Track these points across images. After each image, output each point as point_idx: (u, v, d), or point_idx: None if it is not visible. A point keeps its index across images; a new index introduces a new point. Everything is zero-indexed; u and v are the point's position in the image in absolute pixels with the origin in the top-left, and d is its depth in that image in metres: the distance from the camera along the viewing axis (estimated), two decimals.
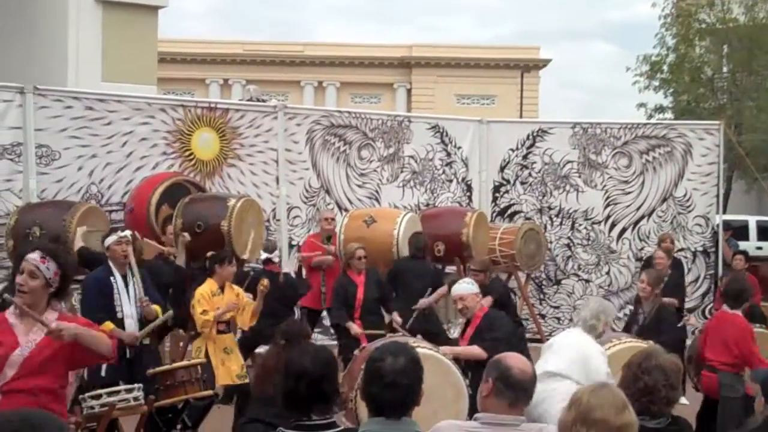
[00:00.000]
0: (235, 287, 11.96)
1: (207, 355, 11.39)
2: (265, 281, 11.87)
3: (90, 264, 11.54)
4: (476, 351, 10.17)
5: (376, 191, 18.21)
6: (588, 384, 8.53)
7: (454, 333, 11.68)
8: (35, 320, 6.06)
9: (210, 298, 11.53)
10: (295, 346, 7.99)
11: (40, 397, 6.05)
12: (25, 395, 5.99)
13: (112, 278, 10.46)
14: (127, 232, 11.01)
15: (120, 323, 10.30)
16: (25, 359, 6.05)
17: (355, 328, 13.15)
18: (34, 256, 6.18)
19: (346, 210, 17.23)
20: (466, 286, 10.75)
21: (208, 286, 11.69)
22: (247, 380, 11.38)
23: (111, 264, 10.57)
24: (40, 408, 5.94)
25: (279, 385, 5.47)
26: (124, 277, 10.53)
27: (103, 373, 9.92)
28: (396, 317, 13.49)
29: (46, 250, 6.26)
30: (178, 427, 10.49)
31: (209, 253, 12.58)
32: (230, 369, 11.49)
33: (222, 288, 11.74)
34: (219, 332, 11.60)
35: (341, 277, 13.88)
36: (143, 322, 10.62)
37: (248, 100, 21.34)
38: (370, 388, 4.55)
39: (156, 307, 10.76)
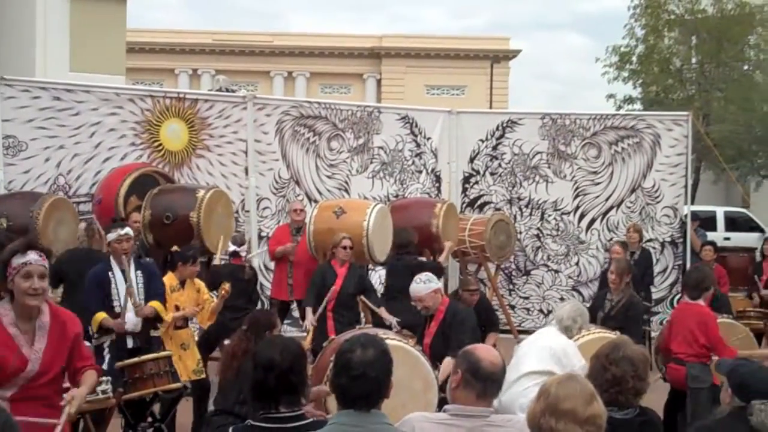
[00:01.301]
0: (198, 282, 11.86)
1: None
2: (227, 285, 11.83)
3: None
4: (449, 367, 10.12)
5: (346, 182, 18.19)
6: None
7: None
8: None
9: (169, 294, 11.45)
10: (261, 335, 7.99)
11: (51, 398, 6.08)
12: (38, 399, 6.01)
13: (110, 273, 10.47)
14: (128, 230, 10.97)
15: (118, 317, 10.35)
16: (37, 373, 6.00)
17: (309, 317, 12.96)
18: (36, 258, 6.08)
19: (316, 201, 17.17)
20: (422, 286, 10.58)
21: (168, 281, 11.60)
22: (203, 376, 11.45)
23: (112, 259, 10.58)
24: (50, 407, 6.06)
25: (246, 376, 5.47)
26: (124, 272, 10.51)
27: (105, 366, 9.92)
28: (384, 313, 13.26)
29: (37, 247, 6.20)
30: (148, 420, 10.44)
31: (174, 248, 12.55)
32: (186, 364, 11.42)
33: (183, 283, 11.68)
34: (176, 327, 11.53)
35: (323, 264, 13.74)
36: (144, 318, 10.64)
37: (217, 91, 21.28)
38: (339, 379, 4.55)
39: (154, 304, 10.73)
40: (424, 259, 15.37)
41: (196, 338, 12.33)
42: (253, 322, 8.51)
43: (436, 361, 10.04)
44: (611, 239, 18.67)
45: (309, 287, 13.50)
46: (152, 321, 10.78)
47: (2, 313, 6.07)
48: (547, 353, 9.03)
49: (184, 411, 11.31)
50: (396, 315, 12.74)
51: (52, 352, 6.04)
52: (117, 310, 10.40)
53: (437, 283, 10.72)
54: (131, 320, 10.47)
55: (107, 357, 10.19)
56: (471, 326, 10.62)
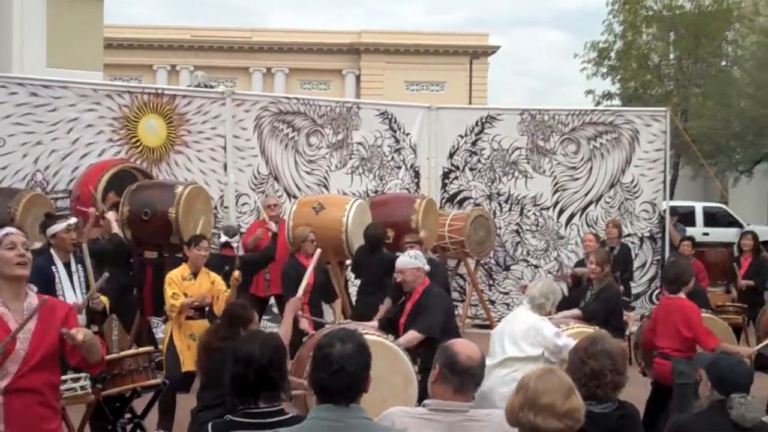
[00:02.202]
0: (212, 274, 11.83)
1: (172, 339, 11.36)
2: (236, 273, 11.81)
3: None
4: (412, 336, 10.18)
5: (325, 178, 18.19)
6: (546, 349, 8.70)
7: None
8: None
9: (180, 282, 11.46)
10: (234, 327, 7.96)
11: (46, 395, 5.84)
12: (33, 393, 5.75)
13: (53, 267, 10.33)
14: (74, 219, 10.92)
15: None
16: (27, 354, 5.74)
17: (304, 322, 13.06)
18: (14, 230, 6.05)
19: (295, 197, 17.17)
20: (407, 260, 10.73)
21: (180, 270, 11.64)
22: None
23: (53, 252, 10.44)
24: (46, 406, 5.84)
25: (220, 371, 5.45)
26: (67, 266, 10.40)
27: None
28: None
29: (13, 225, 6.10)
30: (126, 416, 10.41)
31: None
32: (195, 356, 11.41)
33: (195, 274, 11.66)
34: (188, 318, 11.51)
35: (291, 260, 13.78)
36: (90, 310, 10.53)
37: (196, 86, 21.23)
38: (317, 374, 4.53)
39: (102, 299, 10.67)
40: (399, 254, 15.38)
41: None
42: (229, 316, 8.48)
43: (417, 355, 10.07)
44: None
45: (287, 283, 13.53)
46: (95, 316, 10.69)
47: None
48: (521, 336, 9.10)
49: (182, 406, 11.28)
50: (372, 311, 12.74)
51: (41, 334, 5.79)
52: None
53: (423, 264, 10.77)
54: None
55: None
56: (443, 306, 10.67)
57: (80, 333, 5.64)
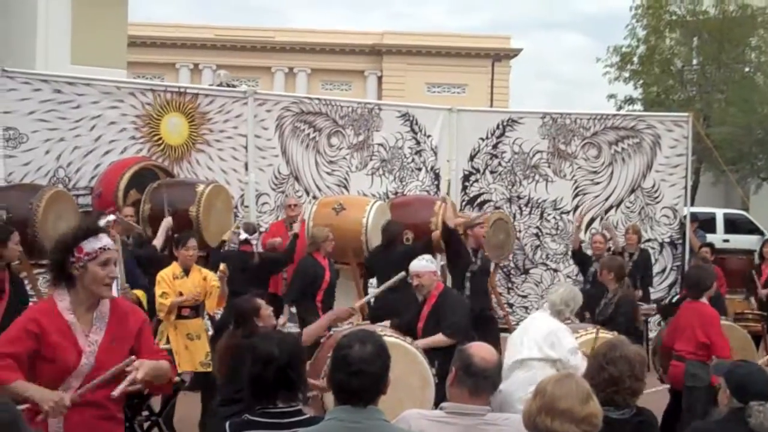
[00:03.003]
0: (204, 270, 11.88)
1: (168, 341, 11.38)
2: (222, 266, 11.84)
3: None
4: (439, 338, 10.22)
5: (345, 179, 18.18)
6: (560, 359, 8.69)
7: None
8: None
9: (171, 281, 11.48)
10: (247, 323, 7.97)
11: (109, 408, 5.65)
12: (94, 408, 5.54)
13: None
14: (112, 216, 10.98)
15: None
16: (93, 369, 5.50)
17: (282, 319, 13.12)
18: (111, 243, 5.77)
19: (315, 197, 17.18)
20: (423, 263, 10.78)
21: (171, 269, 11.66)
22: (210, 369, 11.38)
23: None
24: (107, 419, 5.65)
25: (242, 371, 5.46)
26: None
27: None
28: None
29: (105, 231, 5.89)
30: (144, 413, 10.44)
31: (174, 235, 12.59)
32: (194, 355, 11.42)
33: (187, 271, 11.68)
34: (183, 317, 11.53)
35: (308, 258, 13.86)
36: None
37: (218, 86, 21.27)
38: (336, 375, 4.55)
39: (138, 293, 10.73)
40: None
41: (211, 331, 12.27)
42: (235, 313, 8.48)
43: (435, 358, 10.10)
44: (610, 239, 18.67)
45: (298, 280, 13.64)
46: None
47: (57, 299, 5.63)
48: (542, 339, 9.10)
49: (193, 405, 11.32)
50: (389, 311, 12.77)
51: (108, 347, 5.58)
52: None
53: (436, 268, 10.83)
54: None
55: None
56: (463, 309, 10.73)
57: (141, 371, 5.45)
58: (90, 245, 5.60)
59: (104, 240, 5.67)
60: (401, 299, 12.67)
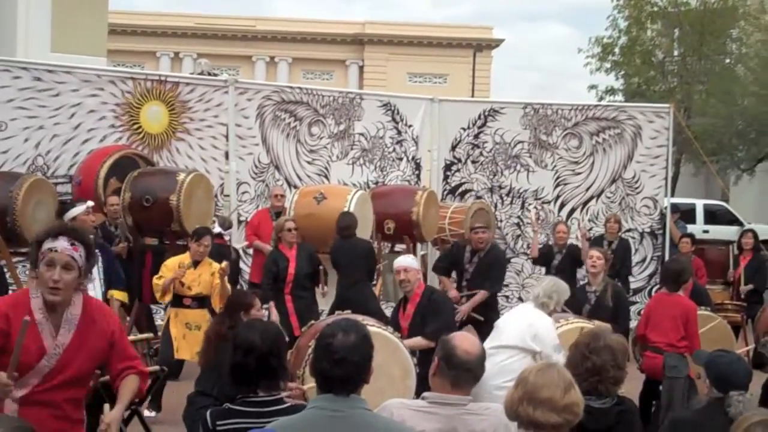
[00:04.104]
0: (215, 265, 11.81)
1: (168, 326, 11.39)
2: (224, 264, 11.81)
3: None
4: (421, 343, 10.25)
5: (326, 168, 18.17)
6: (542, 352, 8.70)
7: None
8: None
9: (175, 268, 11.52)
10: (235, 316, 7.96)
11: (65, 409, 5.53)
12: (50, 407, 5.43)
13: None
14: (90, 202, 10.95)
15: None
16: (52, 370, 5.40)
17: (274, 313, 13.09)
18: (64, 245, 5.42)
19: (296, 186, 17.16)
20: (410, 260, 10.81)
21: (180, 258, 11.80)
22: None
23: None
24: (63, 419, 5.52)
25: (226, 360, 5.46)
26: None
27: None
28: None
29: (72, 234, 5.52)
30: None
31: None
32: (192, 345, 11.40)
33: (196, 263, 11.68)
34: (184, 306, 11.54)
35: (273, 251, 13.83)
36: (105, 297, 10.61)
37: (199, 74, 21.22)
38: (320, 364, 4.54)
39: (117, 294, 10.72)
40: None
41: None
42: (229, 304, 8.48)
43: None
44: (591, 229, 18.74)
45: (264, 275, 13.63)
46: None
47: (31, 295, 5.48)
48: (525, 327, 9.10)
49: (172, 393, 11.31)
50: (353, 302, 12.82)
51: (74, 351, 5.43)
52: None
53: (417, 265, 10.88)
54: None
55: None
56: (448, 310, 10.75)
57: (112, 427, 5.36)
58: (45, 245, 5.44)
59: (57, 242, 5.42)
60: (362, 293, 12.77)
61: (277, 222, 14.20)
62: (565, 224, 17.14)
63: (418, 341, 10.28)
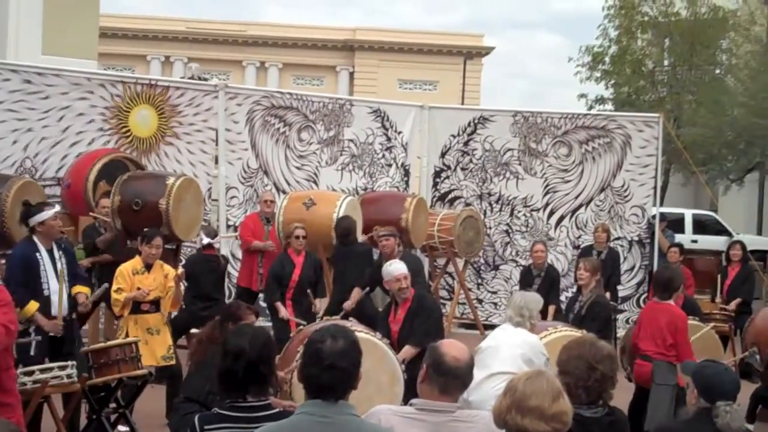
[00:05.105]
0: (166, 267, 11.75)
1: (127, 335, 11.28)
2: (180, 270, 11.74)
3: None
4: (411, 351, 10.21)
5: (315, 174, 18.19)
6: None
7: None
8: None
9: (130, 276, 11.35)
10: (225, 325, 7.94)
11: None
12: None
13: (37, 254, 10.26)
14: (58, 207, 10.93)
15: (47, 300, 10.16)
16: None
17: (282, 311, 13.12)
18: None
19: (284, 192, 17.19)
20: (402, 266, 10.77)
21: (132, 264, 11.53)
22: (173, 362, 11.31)
23: (36, 239, 10.34)
24: None
25: (215, 366, 5.45)
26: (50, 252, 10.35)
27: (32, 352, 9.84)
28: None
29: None
30: (111, 406, 10.39)
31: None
32: (154, 350, 11.34)
33: (149, 267, 11.57)
34: (143, 312, 11.44)
35: (281, 255, 13.87)
36: (72, 297, 10.53)
37: (189, 78, 21.21)
38: (308, 369, 4.53)
39: (81, 289, 10.66)
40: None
41: None
42: (223, 312, 8.45)
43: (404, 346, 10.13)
44: (579, 236, 18.80)
45: (270, 278, 13.64)
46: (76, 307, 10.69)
47: None
48: (518, 354, 9.00)
49: (157, 398, 11.27)
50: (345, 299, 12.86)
51: None
52: (46, 293, 10.21)
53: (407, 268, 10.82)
54: (56, 303, 10.35)
55: (34, 342, 10.01)
56: (437, 316, 10.72)
57: None
58: None
59: None
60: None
61: (286, 228, 14.26)
62: (542, 243, 16.95)
63: (408, 351, 10.24)
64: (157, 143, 16.65)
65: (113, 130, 16.25)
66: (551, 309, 14.90)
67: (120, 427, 10.71)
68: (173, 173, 15.52)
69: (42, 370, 9.17)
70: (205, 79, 21.91)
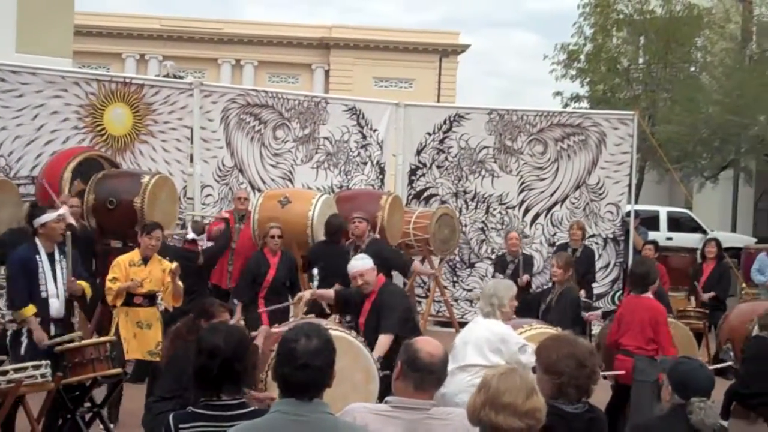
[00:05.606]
0: (164, 262, 11.72)
1: (117, 327, 11.27)
2: (174, 264, 11.71)
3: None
4: (384, 341, 10.16)
5: (290, 172, 18.15)
6: (507, 362, 8.67)
7: None
8: None
9: (126, 267, 11.39)
10: (197, 321, 7.92)
11: None
12: None
13: (37, 257, 10.26)
14: (62, 210, 10.91)
15: (44, 302, 10.19)
16: None
17: (238, 311, 13.06)
18: None
19: (259, 190, 17.14)
20: (362, 262, 10.71)
21: (130, 256, 11.59)
22: (158, 359, 11.25)
23: (38, 241, 10.35)
24: None
25: (190, 363, 5.44)
26: (50, 255, 10.35)
27: (22, 352, 9.85)
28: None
29: None
30: (86, 405, 10.36)
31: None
32: (142, 344, 11.33)
33: (146, 260, 11.56)
34: (135, 305, 11.43)
35: (256, 253, 13.87)
36: (70, 300, 10.54)
37: (165, 76, 21.15)
38: (282, 368, 4.52)
39: (82, 284, 10.64)
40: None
41: None
42: (196, 309, 8.42)
43: (370, 338, 10.07)
44: (554, 234, 18.84)
45: (242, 276, 13.65)
46: (72, 308, 10.68)
47: None
48: (484, 345, 9.06)
49: (136, 396, 11.24)
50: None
51: None
52: (44, 295, 10.23)
53: (372, 263, 10.77)
54: (55, 306, 10.35)
55: (25, 342, 10.06)
56: (401, 303, 10.68)
57: None
58: None
59: None
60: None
61: (262, 227, 14.24)
62: (516, 231, 17.20)
63: (382, 340, 10.18)
64: (132, 141, 16.59)
65: (88, 128, 16.18)
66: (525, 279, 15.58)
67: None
68: (148, 171, 15.50)
69: (16, 370, 9.13)
70: (181, 77, 21.83)
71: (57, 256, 10.40)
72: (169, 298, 11.64)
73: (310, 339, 4.55)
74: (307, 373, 4.47)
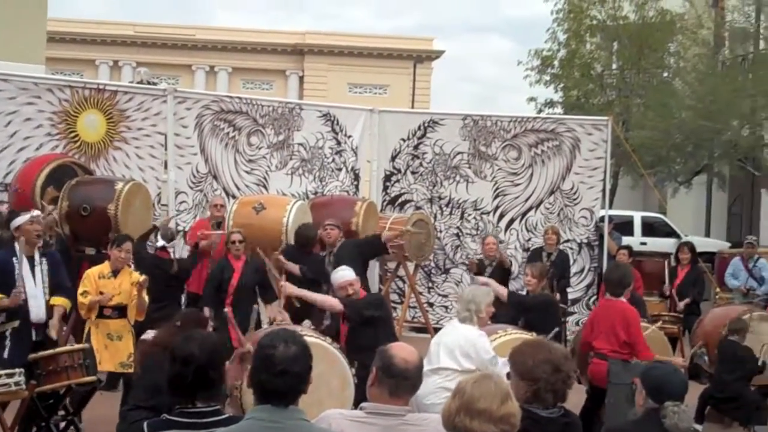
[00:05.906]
0: (135, 275, 11.69)
1: (89, 338, 11.24)
2: (142, 277, 11.66)
3: None
4: (333, 302, 10.30)
5: (265, 178, 18.11)
6: (477, 369, 8.70)
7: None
8: None
9: (96, 280, 11.35)
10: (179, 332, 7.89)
11: None
12: None
13: (14, 259, 10.25)
14: (37, 212, 10.89)
15: (23, 305, 10.19)
16: None
17: (206, 312, 13.01)
18: None
19: (234, 196, 17.10)
20: (348, 272, 10.79)
21: (100, 268, 11.55)
22: (131, 370, 11.21)
23: (17, 245, 10.34)
24: None
25: (164, 371, 5.42)
26: (30, 259, 10.34)
27: (6, 355, 9.82)
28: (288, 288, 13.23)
29: None
30: (60, 413, 10.32)
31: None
32: (114, 355, 11.30)
33: (116, 272, 11.53)
34: (105, 317, 11.40)
35: (221, 260, 13.88)
36: (50, 306, 10.54)
37: (138, 83, 21.11)
38: (260, 375, 4.52)
39: (61, 301, 10.64)
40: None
41: None
42: (183, 318, 8.39)
43: (352, 355, 10.13)
44: (529, 239, 18.88)
45: (208, 282, 13.66)
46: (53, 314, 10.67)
47: None
48: (458, 349, 9.11)
49: (103, 403, 11.21)
50: (308, 312, 12.76)
51: None
52: (22, 296, 10.22)
53: (354, 274, 10.88)
54: (34, 310, 10.34)
55: (8, 345, 10.04)
56: (386, 310, 10.80)
57: None
58: None
59: None
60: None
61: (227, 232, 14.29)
62: (494, 236, 17.27)
63: (329, 300, 10.37)
64: (105, 148, 16.52)
65: (61, 135, 16.12)
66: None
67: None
68: (122, 178, 15.45)
69: None
70: (154, 84, 21.80)
71: (38, 259, 10.40)
72: (132, 313, 11.58)
73: (288, 345, 4.56)
74: (285, 380, 4.47)
